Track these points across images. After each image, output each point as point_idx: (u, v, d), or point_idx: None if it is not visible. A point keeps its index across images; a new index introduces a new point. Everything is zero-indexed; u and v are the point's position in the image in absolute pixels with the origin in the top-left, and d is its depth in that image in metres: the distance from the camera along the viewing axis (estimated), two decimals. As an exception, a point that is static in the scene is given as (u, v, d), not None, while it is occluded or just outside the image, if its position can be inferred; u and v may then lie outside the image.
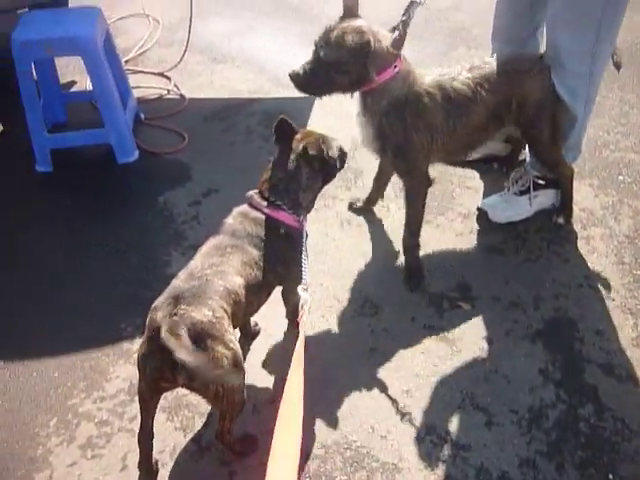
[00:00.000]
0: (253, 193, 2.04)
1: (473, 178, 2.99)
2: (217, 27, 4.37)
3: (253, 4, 4.64)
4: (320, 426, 2.03)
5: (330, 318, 2.37)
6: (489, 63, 2.44)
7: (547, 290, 2.44)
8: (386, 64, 2.23)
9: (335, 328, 2.33)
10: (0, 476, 1.95)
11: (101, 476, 1.94)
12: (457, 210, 2.82)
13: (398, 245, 2.64)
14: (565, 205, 2.73)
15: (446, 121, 2.35)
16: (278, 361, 2.20)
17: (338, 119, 3.20)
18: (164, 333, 1.58)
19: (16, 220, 2.91)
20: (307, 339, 2.25)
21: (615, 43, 2.48)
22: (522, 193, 2.73)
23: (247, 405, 1.84)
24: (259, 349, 2.26)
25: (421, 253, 2.57)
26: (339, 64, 2.20)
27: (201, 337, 1.63)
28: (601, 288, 2.44)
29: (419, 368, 2.19)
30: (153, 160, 3.21)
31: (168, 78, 3.84)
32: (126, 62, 3.86)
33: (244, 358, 1.88)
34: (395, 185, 2.93)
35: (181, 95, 3.69)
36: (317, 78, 2.26)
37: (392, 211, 2.81)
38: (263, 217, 1.98)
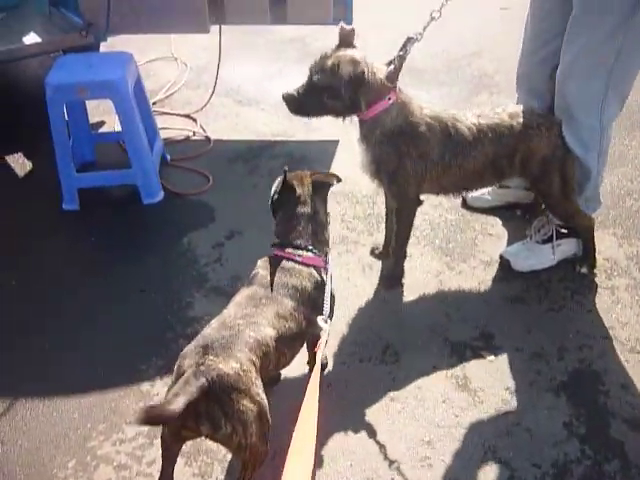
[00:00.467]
0: (280, 245, 2.07)
1: (495, 225, 2.99)
2: (244, 71, 4.46)
3: (281, 51, 4.73)
4: (339, 475, 2.00)
5: (351, 365, 2.35)
6: (499, 114, 2.47)
7: (571, 341, 2.42)
8: (379, 96, 2.33)
9: (356, 376, 2.32)
10: (17, 518, 1.95)
11: (118, 521, 1.93)
12: (479, 257, 2.82)
13: (420, 290, 2.65)
14: (588, 255, 2.72)
15: (442, 155, 2.42)
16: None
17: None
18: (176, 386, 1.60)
19: (40, 258, 2.94)
20: (328, 383, 2.26)
21: (627, 94, 2.49)
22: (545, 242, 2.72)
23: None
24: (278, 391, 2.25)
25: (443, 299, 2.60)
26: (332, 90, 2.31)
27: (226, 390, 1.63)
28: (626, 340, 2.41)
29: (440, 418, 2.16)
30: (178, 201, 3.25)
31: (194, 120, 3.91)
32: (154, 104, 3.93)
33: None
34: (416, 230, 2.93)
35: (206, 137, 3.75)
36: (309, 101, 2.38)
37: (414, 257, 2.81)
38: (296, 266, 2.00)
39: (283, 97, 2.41)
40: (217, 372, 1.63)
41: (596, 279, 2.68)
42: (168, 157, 3.53)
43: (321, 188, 2.16)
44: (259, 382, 1.73)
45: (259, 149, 3.64)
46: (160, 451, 1.81)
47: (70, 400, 2.29)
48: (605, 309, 2.55)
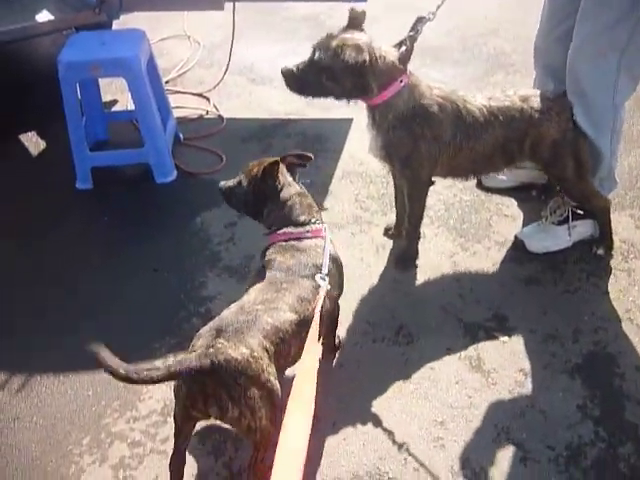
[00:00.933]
0: (284, 230, 2.05)
1: (510, 206, 2.96)
2: (258, 50, 4.42)
3: (295, 29, 4.69)
4: (352, 456, 2.00)
5: (364, 345, 2.35)
6: (510, 97, 2.43)
7: (586, 323, 2.40)
8: (391, 79, 2.28)
9: (369, 356, 2.31)
10: (33, 493, 1.97)
11: (132, 497, 1.95)
12: (494, 238, 2.79)
13: (434, 271, 2.63)
14: (604, 236, 2.69)
15: (454, 135, 2.38)
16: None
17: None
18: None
19: (54, 236, 2.95)
20: (340, 363, 2.26)
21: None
22: (560, 223, 2.69)
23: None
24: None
25: (457, 280, 2.58)
26: (331, 72, 2.26)
27: (233, 375, 1.62)
28: (642, 323, 2.39)
29: (453, 399, 2.16)
30: (191, 180, 3.24)
31: (207, 99, 3.89)
32: (166, 82, 3.92)
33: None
34: (429, 210, 2.92)
35: (219, 116, 3.73)
36: (308, 80, 2.33)
37: (428, 237, 2.79)
38: (308, 242, 2.00)
39: (282, 72, 2.36)
40: (225, 356, 1.63)
41: (612, 261, 2.65)
42: (181, 136, 3.52)
43: (295, 167, 2.18)
44: (271, 369, 1.71)
45: (272, 128, 3.62)
46: (173, 429, 1.82)
47: (84, 378, 2.31)
48: (621, 291, 2.52)
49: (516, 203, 2.97)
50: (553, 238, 2.69)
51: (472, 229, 2.84)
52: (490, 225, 2.86)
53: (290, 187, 2.10)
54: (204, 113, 3.79)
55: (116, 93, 3.98)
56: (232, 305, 1.84)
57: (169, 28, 4.67)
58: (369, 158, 2.91)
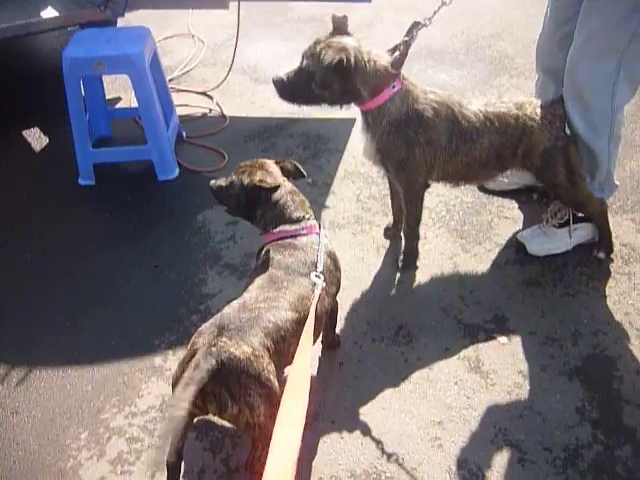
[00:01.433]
0: (279, 228, 2.05)
1: (512, 208, 2.96)
2: (262, 50, 4.43)
3: (299, 30, 4.69)
4: (349, 455, 2.01)
5: (364, 345, 2.35)
6: (505, 103, 2.43)
7: (585, 326, 2.39)
8: (382, 84, 2.26)
9: (369, 355, 2.31)
10: (30, 486, 1.97)
11: (129, 492, 1.95)
12: (494, 240, 2.79)
13: (435, 272, 2.64)
14: (604, 240, 2.69)
15: (450, 140, 2.37)
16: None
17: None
18: (187, 371, 1.60)
19: (56, 232, 2.96)
20: (340, 362, 2.27)
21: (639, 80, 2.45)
22: (561, 226, 2.69)
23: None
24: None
25: (458, 281, 2.59)
26: (319, 78, 2.23)
27: (234, 373, 1.63)
28: (642, 327, 2.39)
29: (451, 400, 2.16)
30: (193, 178, 3.25)
31: (210, 97, 3.90)
32: (170, 80, 3.92)
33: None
34: (431, 212, 2.92)
35: (222, 114, 3.74)
36: (298, 87, 2.30)
37: (429, 239, 2.79)
38: (304, 240, 2.00)
39: (273, 81, 2.33)
40: (228, 355, 1.64)
41: (613, 265, 2.65)
42: (184, 134, 3.52)
43: (287, 174, 2.17)
44: (271, 367, 1.72)
45: (275, 127, 3.62)
46: (172, 425, 1.82)
47: (84, 373, 2.31)
48: (621, 295, 2.52)
49: (517, 205, 2.98)
50: (554, 241, 2.69)
51: (473, 231, 2.84)
52: (491, 227, 2.86)
53: (282, 187, 2.10)
54: (207, 111, 3.80)
55: (119, 91, 3.98)
56: (233, 302, 1.84)
57: (173, 27, 4.68)
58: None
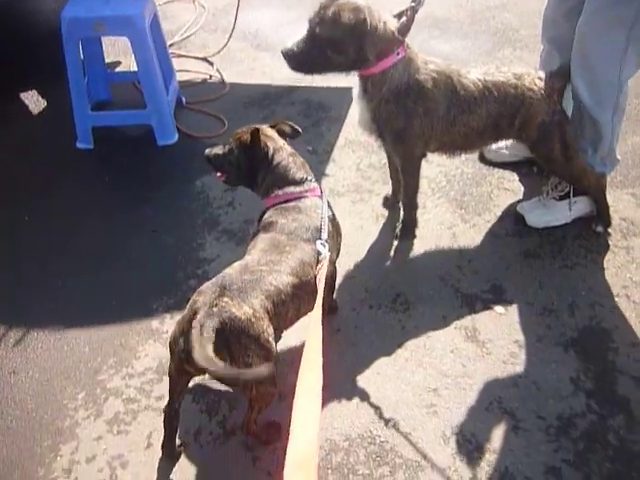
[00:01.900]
0: (284, 190, 2.04)
1: (512, 180, 2.95)
2: (263, 16, 4.37)
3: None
4: (345, 418, 2.02)
5: (361, 311, 2.36)
6: (504, 73, 2.40)
7: (582, 298, 2.40)
8: (388, 49, 2.22)
9: (366, 322, 2.32)
10: (27, 445, 1.99)
11: (126, 452, 1.96)
12: (494, 212, 2.79)
13: (433, 241, 2.63)
14: (602, 214, 2.68)
15: (448, 110, 2.34)
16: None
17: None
18: (194, 331, 1.60)
19: (53, 195, 2.95)
20: (337, 328, 2.28)
21: None
22: (561, 198, 2.68)
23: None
24: (288, 335, 2.26)
25: (457, 251, 2.59)
26: (334, 42, 2.17)
27: (235, 333, 1.63)
28: (638, 300, 2.39)
29: (447, 367, 2.17)
30: (192, 144, 3.22)
31: (211, 63, 3.86)
32: (170, 46, 3.88)
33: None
34: (432, 182, 2.91)
35: (223, 81, 3.70)
36: (312, 56, 2.23)
37: (428, 208, 2.78)
38: (307, 202, 2.00)
39: (282, 53, 2.26)
40: (229, 315, 1.64)
41: (611, 238, 2.65)
42: (184, 99, 3.49)
43: (284, 136, 2.17)
44: (270, 330, 1.73)
45: (275, 95, 3.59)
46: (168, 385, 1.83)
47: (81, 334, 2.32)
48: (619, 268, 2.52)
49: (517, 177, 2.96)
50: (553, 213, 2.68)
51: (473, 202, 2.83)
52: (491, 198, 2.86)
53: (282, 150, 2.09)
54: (207, 77, 3.76)
55: (119, 55, 3.94)
56: (235, 264, 1.84)
57: (174, -9, 4.61)
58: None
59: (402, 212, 2.66)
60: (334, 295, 2.30)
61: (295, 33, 4.19)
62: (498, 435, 1.98)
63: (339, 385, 2.11)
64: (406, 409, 2.05)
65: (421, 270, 2.53)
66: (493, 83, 2.36)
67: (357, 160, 3.08)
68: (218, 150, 2.14)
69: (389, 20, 2.23)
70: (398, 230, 2.64)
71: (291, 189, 2.03)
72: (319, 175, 2.94)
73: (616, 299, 2.39)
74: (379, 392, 2.10)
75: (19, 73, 3.67)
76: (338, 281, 2.31)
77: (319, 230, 1.93)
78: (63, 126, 3.23)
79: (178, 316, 2.31)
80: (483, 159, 3.05)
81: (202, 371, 1.70)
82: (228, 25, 3.93)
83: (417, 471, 1.89)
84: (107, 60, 3.64)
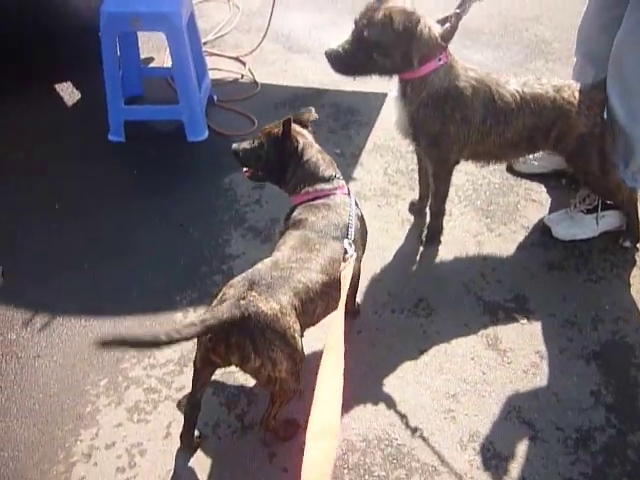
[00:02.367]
0: (314, 187, 2.05)
1: (540, 192, 2.94)
2: (296, 19, 4.40)
3: (334, 1, 4.65)
4: (363, 420, 2.03)
5: (383, 315, 2.36)
6: (543, 85, 2.39)
7: (606, 312, 2.39)
8: (431, 54, 2.22)
9: (387, 325, 2.33)
10: (49, 428, 2.02)
11: (145, 440, 1.98)
12: (520, 222, 2.78)
13: (458, 249, 2.63)
14: (631, 229, 2.66)
15: (484, 119, 2.34)
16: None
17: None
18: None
19: (84, 186, 2.99)
20: (359, 330, 2.28)
21: None
22: (589, 212, 2.67)
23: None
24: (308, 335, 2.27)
25: (481, 259, 2.60)
26: (383, 45, 2.17)
27: (260, 327, 1.65)
28: (663, 317, 2.38)
29: (467, 374, 2.17)
30: (222, 141, 3.25)
31: (243, 63, 3.89)
32: (204, 44, 3.91)
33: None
34: (458, 190, 2.91)
35: (254, 81, 3.73)
36: (357, 58, 2.23)
37: (454, 215, 2.78)
38: (337, 200, 2.01)
39: (326, 54, 2.26)
40: (255, 309, 1.66)
41: (638, 254, 2.63)
42: (215, 97, 3.52)
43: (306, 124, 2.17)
44: (297, 326, 1.74)
45: (306, 97, 3.61)
46: (191, 377, 1.85)
47: (105, 322, 2.35)
48: (644, 285, 2.51)
49: (545, 189, 2.95)
50: (580, 226, 2.67)
51: (499, 211, 2.82)
52: (517, 209, 2.85)
53: (311, 147, 2.11)
54: (239, 77, 3.79)
55: (152, 51, 3.98)
56: (266, 259, 1.85)
57: (210, -10, 4.65)
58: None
59: (429, 218, 2.66)
60: (356, 297, 2.31)
61: (328, 35, 4.24)
62: (516, 444, 1.98)
63: (358, 386, 2.11)
64: (424, 413, 2.05)
65: (445, 276, 2.53)
66: (531, 95, 2.36)
67: (385, 165, 3.09)
68: (246, 144, 2.15)
69: (433, 26, 2.23)
70: (424, 235, 2.64)
71: (321, 186, 2.04)
72: (346, 178, 2.92)
73: (640, 315, 2.38)
74: (398, 395, 2.10)
75: (56, 65, 3.73)
76: (362, 284, 2.33)
77: (347, 227, 1.94)
78: (96, 118, 3.27)
79: (201, 310, 2.38)
80: (511, 169, 3.04)
81: (228, 362, 1.72)
82: (262, 26, 3.96)
83: (433, 476, 1.89)
84: (141, 56, 3.68)
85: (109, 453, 1.96)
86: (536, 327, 2.34)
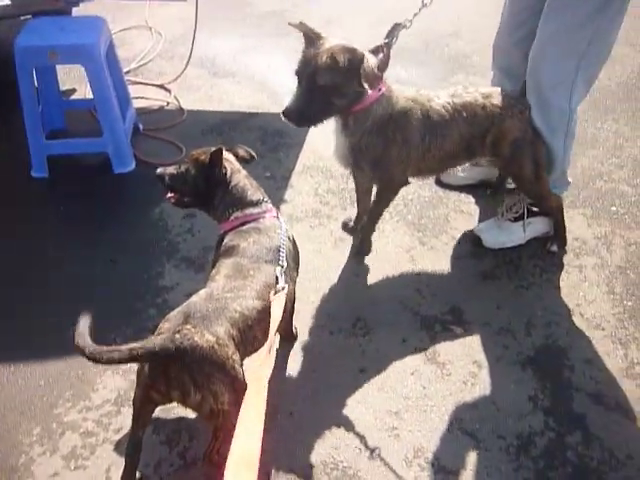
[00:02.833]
0: (244, 212, 2.04)
1: (468, 203, 3.00)
2: (220, 44, 4.40)
3: (259, 25, 4.68)
4: (307, 445, 2.01)
5: (322, 336, 2.36)
6: (471, 93, 2.46)
7: (538, 317, 2.45)
8: (371, 86, 2.22)
9: (326, 346, 2.32)
10: (-20, 484, 1.93)
11: (83, 488, 1.91)
12: (451, 234, 2.83)
13: (392, 265, 2.66)
14: (558, 234, 2.75)
15: (422, 137, 2.38)
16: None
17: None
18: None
19: (6, 225, 2.89)
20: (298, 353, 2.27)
21: (595, 80, 2.51)
22: (516, 219, 2.75)
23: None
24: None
25: (415, 274, 2.63)
26: (337, 86, 2.17)
27: (197, 361, 1.62)
28: (592, 317, 2.45)
29: (408, 390, 2.18)
30: (150, 171, 3.13)
31: (168, 90, 3.86)
32: (127, 73, 3.87)
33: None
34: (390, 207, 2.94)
35: (180, 108, 3.70)
36: (316, 107, 2.22)
37: (386, 232, 2.82)
38: (267, 223, 2.00)
39: (284, 114, 2.23)
40: (190, 343, 1.62)
41: (565, 258, 2.72)
42: (141, 126, 3.48)
43: (240, 160, 2.17)
44: (236, 356, 1.72)
45: (233, 122, 3.60)
46: (129, 418, 1.80)
47: (36, 368, 2.26)
48: (573, 287, 2.58)
49: (474, 200, 3.02)
50: (508, 234, 2.74)
51: (430, 224, 2.87)
52: (448, 221, 2.90)
53: (239, 172, 2.10)
54: (164, 104, 3.76)
55: (74, 82, 3.91)
56: (201, 291, 1.82)
57: (130, 19, 4.62)
58: (330, 153, 2.92)
59: (361, 235, 2.69)
60: (293, 321, 2.30)
61: (253, 60, 4.25)
62: (460, 456, 1.99)
63: (300, 412, 2.10)
64: (369, 433, 2.05)
65: (380, 294, 2.55)
66: (461, 104, 2.41)
67: (315, 185, 3.10)
68: (172, 169, 2.13)
69: (369, 57, 2.22)
70: (353, 248, 2.68)
71: (250, 210, 2.03)
72: (277, 201, 2.95)
73: (570, 317, 2.45)
74: (341, 417, 2.09)
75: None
76: (298, 306, 2.31)
77: (280, 251, 1.93)
78: (17, 155, 3.19)
79: (147, 339, 2.31)
80: (440, 182, 3.10)
81: (169, 398, 1.68)
82: (185, 52, 3.94)
83: (380, 496, 1.89)
84: (63, 88, 3.61)
85: (46, 505, 1.88)
86: (473, 337, 2.37)
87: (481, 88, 2.52)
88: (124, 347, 1.57)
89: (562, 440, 2.04)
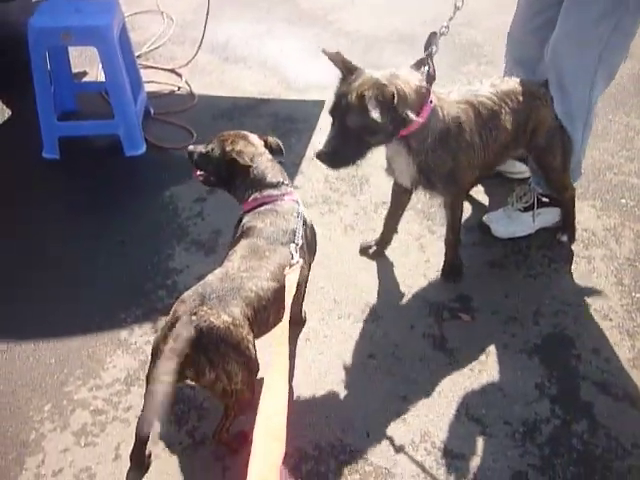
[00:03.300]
0: (263, 193, 2.05)
1: (478, 192, 3.00)
2: (232, 29, 4.39)
3: (271, 11, 4.66)
4: (315, 428, 2.03)
5: (330, 321, 2.37)
6: (507, 81, 2.43)
7: (546, 307, 2.46)
8: (422, 102, 2.12)
9: (334, 332, 2.34)
10: (-8, 458, 1.95)
11: (93, 464, 1.94)
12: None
13: (402, 252, 2.66)
14: (568, 224, 2.75)
15: (480, 136, 2.32)
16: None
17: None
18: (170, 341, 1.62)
19: (18, 205, 2.91)
20: (307, 338, 2.29)
21: (615, 72, 2.50)
22: (526, 209, 2.74)
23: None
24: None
25: (424, 262, 2.63)
26: (369, 126, 2.02)
27: (214, 341, 1.64)
28: (600, 308, 2.45)
29: (416, 375, 2.20)
30: (160, 155, 3.21)
31: (179, 75, 3.86)
32: (138, 57, 3.86)
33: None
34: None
35: (191, 92, 3.71)
36: (350, 148, 2.11)
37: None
38: (285, 206, 2.01)
39: (318, 157, 2.12)
40: (208, 324, 1.65)
41: (574, 248, 2.72)
42: (152, 110, 3.48)
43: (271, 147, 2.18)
44: (250, 337, 1.74)
45: (244, 107, 3.60)
46: (139, 396, 1.83)
47: (47, 346, 2.28)
48: (581, 277, 2.58)
49: (483, 189, 3.02)
50: (518, 224, 2.74)
51: (439, 213, 2.87)
52: (457, 210, 2.90)
53: (261, 156, 2.11)
54: (176, 89, 3.76)
55: (85, 65, 3.91)
56: (217, 270, 1.84)
57: (142, 3, 4.60)
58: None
59: (446, 251, 2.56)
60: (303, 305, 2.31)
61: (265, 45, 4.24)
62: (466, 441, 2.01)
63: (309, 395, 2.12)
64: (376, 417, 2.06)
65: (389, 280, 2.56)
66: (503, 92, 2.36)
67: (325, 172, 3.10)
68: (202, 148, 2.13)
69: (410, 76, 2.11)
70: (443, 270, 2.57)
71: (268, 192, 2.04)
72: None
73: (578, 307, 2.46)
74: (349, 401, 2.11)
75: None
76: (307, 290, 2.33)
77: (295, 233, 1.95)
78: (29, 136, 3.20)
79: (147, 326, 2.35)
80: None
81: (183, 377, 1.70)
82: (196, 37, 3.94)
83: (387, 478, 1.91)
84: (74, 70, 3.61)
85: (56, 480, 1.90)
86: (480, 325, 2.38)
87: (511, 78, 2.47)
88: (169, 355, 1.57)
89: (568, 428, 2.05)
